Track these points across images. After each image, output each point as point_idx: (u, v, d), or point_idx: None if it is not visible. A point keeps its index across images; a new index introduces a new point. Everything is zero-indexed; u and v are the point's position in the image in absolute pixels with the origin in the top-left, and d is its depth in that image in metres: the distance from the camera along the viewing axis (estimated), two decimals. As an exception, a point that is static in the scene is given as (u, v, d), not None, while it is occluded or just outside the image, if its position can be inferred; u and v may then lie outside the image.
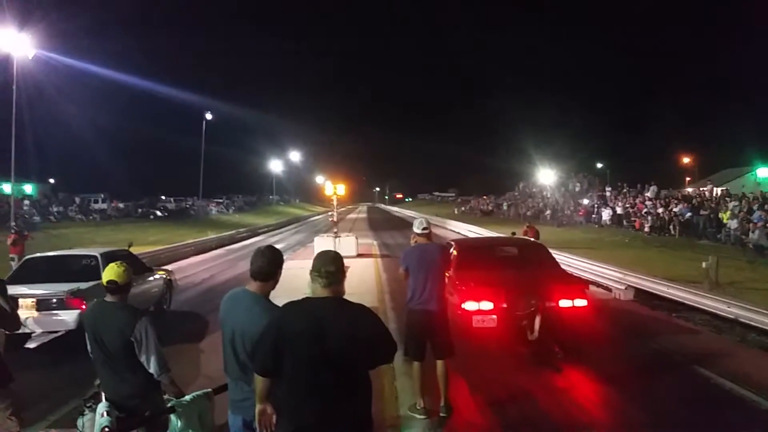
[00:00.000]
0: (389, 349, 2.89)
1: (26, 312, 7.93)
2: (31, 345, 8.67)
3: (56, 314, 8.12)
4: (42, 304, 8.14)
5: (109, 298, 3.74)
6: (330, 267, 2.87)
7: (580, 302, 7.57)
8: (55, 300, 8.16)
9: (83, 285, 8.35)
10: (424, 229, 5.86)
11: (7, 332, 4.91)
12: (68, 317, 8.09)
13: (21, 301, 7.86)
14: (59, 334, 8.64)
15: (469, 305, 7.35)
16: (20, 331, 7.25)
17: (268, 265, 3.34)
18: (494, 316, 7.32)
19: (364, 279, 14.55)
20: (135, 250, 11.88)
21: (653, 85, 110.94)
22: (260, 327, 2.99)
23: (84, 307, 7.82)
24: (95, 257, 9.38)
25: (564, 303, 7.49)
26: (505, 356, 7.71)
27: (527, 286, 7.65)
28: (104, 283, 3.70)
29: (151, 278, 10.64)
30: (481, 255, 9.46)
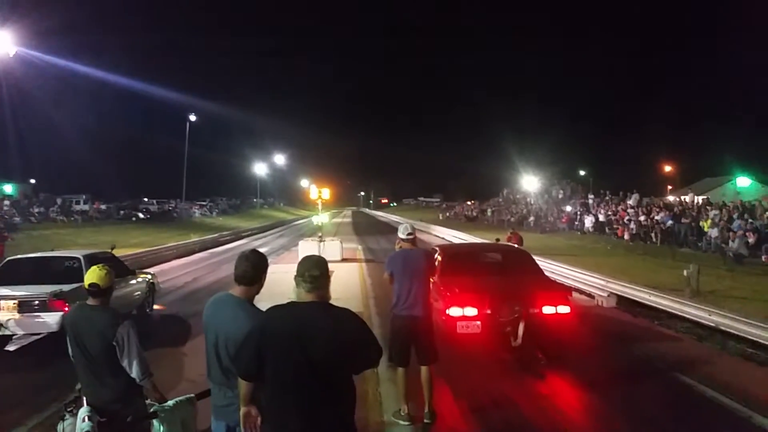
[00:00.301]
0: (374, 353, 2.88)
1: (7, 314, 7.98)
2: (11, 348, 8.59)
3: (38, 316, 8.03)
4: (24, 306, 8.06)
5: (90, 301, 3.70)
6: (314, 271, 2.86)
7: (563, 309, 7.55)
8: (37, 302, 8.07)
9: (66, 287, 8.26)
10: (408, 234, 5.88)
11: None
12: (50, 319, 7.97)
13: (2, 302, 8.01)
14: (41, 336, 8.55)
15: (454, 311, 7.33)
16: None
17: (253, 269, 3.31)
18: (478, 323, 7.25)
19: (348, 284, 14.53)
20: (117, 253, 11.80)
21: (635, 94, 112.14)
22: (244, 332, 2.97)
23: (67, 309, 7.65)
24: (78, 259, 9.32)
25: (547, 310, 7.46)
26: (489, 362, 7.74)
27: (511, 292, 7.63)
28: (86, 286, 3.66)
29: (134, 281, 10.60)
30: (466, 261, 9.47)
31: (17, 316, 8.01)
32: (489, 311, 7.35)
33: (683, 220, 24.11)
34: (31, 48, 28.43)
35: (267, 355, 2.73)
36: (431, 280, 5.86)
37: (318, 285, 2.85)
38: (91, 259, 8.90)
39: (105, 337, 3.52)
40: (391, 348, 5.56)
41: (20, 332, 8.31)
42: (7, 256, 15.18)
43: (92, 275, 3.65)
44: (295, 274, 2.91)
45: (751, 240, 18.89)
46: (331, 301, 2.93)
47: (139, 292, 10.70)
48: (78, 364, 3.68)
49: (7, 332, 8.07)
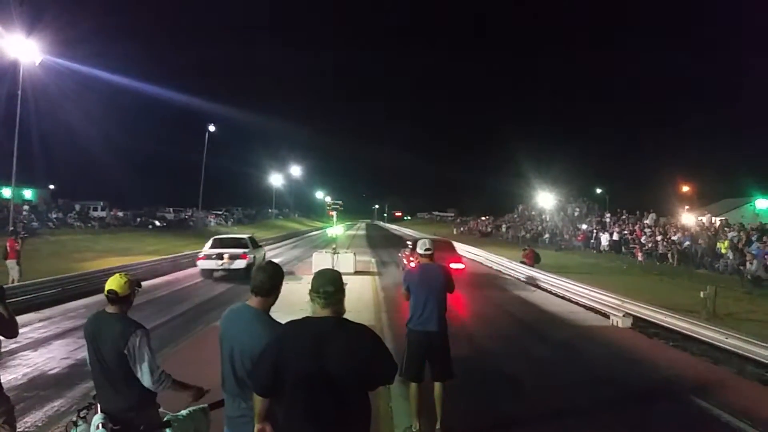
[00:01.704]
0: (390, 369, 2.88)
1: (225, 261, 18.37)
2: (217, 275, 18.68)
3: (237, 262, 18.44)
4: (232, 257, 18.50)
5: (108, 308, 3.71)
6: (329, 287, 2.86)
7: (460, 265, 17.78)
8: (237, 254, 18.57)
9: (245, 250, 18.97)
10: (426, 249, 5.89)
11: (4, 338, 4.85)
12: (241, 264, 18.30)
13: (225, 255, 18.34)
14: (238, 270, 18.23)
15: (412, 264, 13.60)
16: (216, 268, 18.55)
17: (270, 280, 3.34)
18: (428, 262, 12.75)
19: (361, 296, 14.51)
20: (132, 260, 12.37)
21: (653, 113, 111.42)
22: (260, 343, 2.98)
23: (246, 257, 18.43)
24: (245, 238, 20.52)
25: (452, 265, 15.96)
26: (502, 380, 7.71)
27: (438, 256, 9.78)
28: (105, 293, 3.67)
29: (262, 251, 21.40)
30: (425, 248, 14.91)
31: (228, 261, 18.38)
32: (428, 260, 12.50)
33: (700, 241, 23.86)
34: (56, 56, 28.84)
35: (283, 371, 2.73)
36: (448, 294, 5.78)
37: (333, 301, 2.85)
38: (250, 239, 20.60)
39: (117, 345, 3.52)
40: (406, 363, 5.53)
41: (229, 268, 18.38)
42: (23, 260, 15.47)
43: (112, 282, 3.66)
44: (309, 288, 2.92)
45: (769, 263, 18.63)
46: (345, 314, 2.93)
47: (264, 255, 21.76)
48: (93, 371, 3.69)
49: (223, 268, 18.42)
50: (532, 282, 18.13)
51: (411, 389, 5.62)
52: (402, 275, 6.08)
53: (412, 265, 35.63)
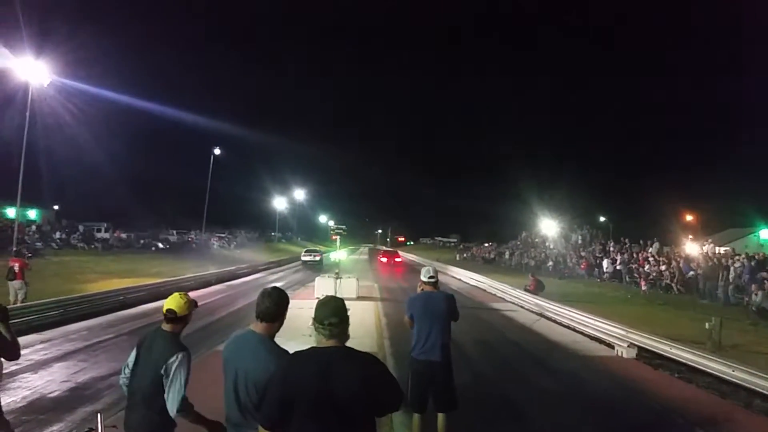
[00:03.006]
0: (396, 397, 2.87)
1: (313, 257, 45.26)
2: (309, 263, 43.05)
3: (318, 259, 44.35)
4: (315, 255, 45.58)
5: (164, 326, 3.77)
6: (333, 319, 2.86)
7: (399, 258, 54.87)
8: (318, 255, 45.69)
9: (319, 252, 47.95)
10: (430, 277, 5.82)
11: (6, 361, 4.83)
12: (318, 258, 44.79)
13: (314, 254, 46.14)
14: (317, 261, 43.28)
15: (381, 258, 50.70)
16: (309, 260, 45.19)
17: (275, 306, 3.35)
18: (384, 259, 50.93)
19: (364, 322, 14.41)
20: (135, 282, 12.04)
21: (657, 142, 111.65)
22: (266, 368, 2.99)
23: (320, 256, 45.88)
24: (319, 250, 50.20)
25: (396, 259, 52.21)
26: (505, 410, 7.63)
27: (388, 255, 50.60)
28: (164, 311, 3.76)
29: (319, 254, 46.92)
30: (384, 251, 60.87)
31: (313, 257, 45.16)
32: (385, 259, 50.81)
33: (705, 271, 23.73)
34: (64, 76, 29.19)
35: (290, 403, 2.71)
36: (452, 323, 5.77)
37: (337, 332, 2.86)
38: (321, 252, 48.62)
39: (158, 363, 3.57)
40: (409, 393, 5.47)
41: (314, 260, 44.18)
42: (29, 280, 15.43)
43: (172, 302, 3.76)
44: (313, 318, 2.92)
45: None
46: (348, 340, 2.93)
47: (320, 256, 45.34)
48: (130, 387, 3.75)
49: (311, 259, 44.34)
50: (535, 310, 18.02)
51: (414, 420, 5.56)
52: (405, 301, 6.03)
53: (383, 260, 51.66)
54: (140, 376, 3.67)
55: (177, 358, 3.58)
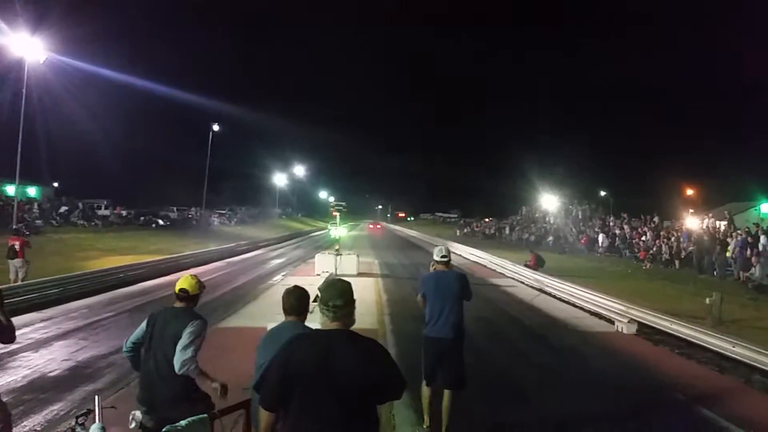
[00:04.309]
0: (398, 384, 2.83)
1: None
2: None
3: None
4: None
5: (177, 304, 4.13)
6: (338, 301, 2.81)
7: (380, 226, 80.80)
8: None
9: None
10: (443, 257, 5.88)
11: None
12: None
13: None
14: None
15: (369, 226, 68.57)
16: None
17: (297, 302, 3.80)
18: (371, 226, 74.65)
19: (364, 299, 14.38)
20: (135, 259, 12.01)
21: (658, 116, 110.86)
22: None
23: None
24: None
25: (378, 226, 79.22)
26: (507, 388, 7.65)
27: (374, 225, 73.88)
28: (176, 291, 4.11)
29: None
30: (371, 223, 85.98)
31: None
32: (371, 225, 75.31)
33: (705, 245, 23.70)
34: (61, 54, 28.87)
35: (291, 385, 2.67)
36: (464, 301, 5.92)
37: (342, 314, 2.81)
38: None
39: (176, 337, 3.89)
40: (423, 366, 5.72)
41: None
42: (29, 258, 15.41)
43: (184, 282, 4.13)
44: (318, 299, 2.87)
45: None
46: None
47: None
48: (145, 365, 4.02)
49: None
50: (535, 286, 18.04)
51: (424, 390, 5.72)
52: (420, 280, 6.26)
53: (371, 227, 75.27)
54: (157, 353, 3.93)
55: (193, 324, 3.95)
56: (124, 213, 49.69)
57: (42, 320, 11.80)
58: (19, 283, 14.18)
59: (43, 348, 9.52)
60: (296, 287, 3.85)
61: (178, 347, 3.83)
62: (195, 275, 4.27)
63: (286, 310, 3.77)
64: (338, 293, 2.84)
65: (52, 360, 8.72)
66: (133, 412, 3.86)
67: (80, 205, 45.76)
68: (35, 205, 38.71)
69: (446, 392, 5.62)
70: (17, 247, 15.14)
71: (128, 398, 6.29)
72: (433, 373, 5.66)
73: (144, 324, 4.10)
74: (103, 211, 47.66)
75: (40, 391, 7.18)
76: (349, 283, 2.97)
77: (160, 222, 49.82)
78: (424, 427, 5.68)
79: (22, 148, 24.39)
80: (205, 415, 3.65)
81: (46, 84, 30.25)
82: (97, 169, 69.65)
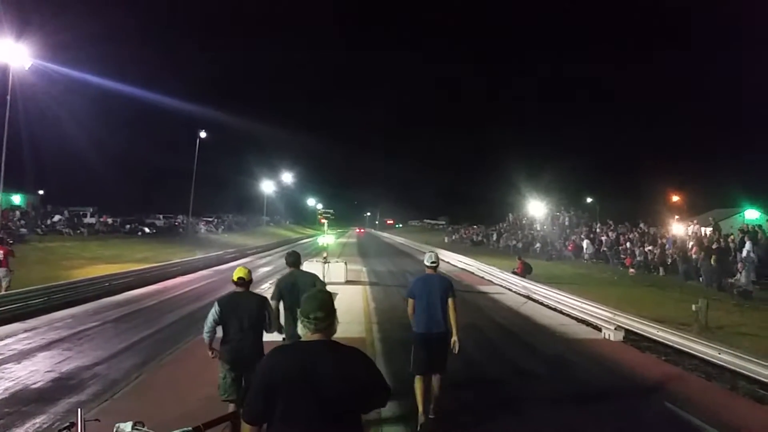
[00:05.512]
0: (382, 393, 2.81)
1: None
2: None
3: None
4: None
5: (238, 289, 5.50)
6: (319, 313, 2.78)
7: (363, 230, 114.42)
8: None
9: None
10: (432, 262, 6.68)
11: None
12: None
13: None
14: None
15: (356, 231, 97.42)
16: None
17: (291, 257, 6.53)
18: (358, 231, 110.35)
19: (352, 307, 14.30)
20: (121, 268, 11.90)
21: (643, 123, 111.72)
22: None
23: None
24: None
25: (362, 230, 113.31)
26: (492, 391, 7.65)
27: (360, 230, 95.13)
28: (234, 279, 5.50)
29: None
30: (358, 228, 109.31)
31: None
32: (358, 231, 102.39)
33: (691, 253, 23.89)
34: (46, 60, 28.65)
35: (274, 398, 2.63)
36: (450, 301, 6.47)
37: (323, 326, 2.78)
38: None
39: (261, 308, 5.42)
40: (413, 360, 6.35)
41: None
42: (13, 267, 15.18)
43: (240, 272, 5.52)
44: (299, 311, 2.85)
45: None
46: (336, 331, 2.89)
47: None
48: (234, 332, 5.28)
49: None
50: (523, 293, 18.08)
51: (416, 381, 6.24)
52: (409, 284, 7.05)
53: (357, 231, 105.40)
54: (242, 319, 5.28)
55: (268, 301, 5.67)
56: (110, 221, 49.33)
57: (25, 330, 11.64)
58: (3, 292, 13.99)
59: (26, 359, 9.38)
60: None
61: (272, 321, 5.50)
62: (246, 268, 5.66)
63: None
64: (318, 305, 2.81)
65: (35, 371, 8.60)
66: (117, 425, 3.78)
67: (66, 212, 45.36)
68: (17, 213, 38.28)
69: (434, 377, 6.31)
70: (0, 256, 14.92)
71: (112, 410, 6.25)
72: (423, 365, 6.25)
73: (217, 308, 5.33)
74: (88, 219, 47.27)
75: (23, 403, 7.07)
76: (329, 294, 2.95)
77: (147, 230, 49.51)
78: (420, 412, 6.08)
79: (6, 155, 24.14)
80: (190, 428, 3.61)
81: (31, 91, 29.99)
82: (83, 177, 69.13)
